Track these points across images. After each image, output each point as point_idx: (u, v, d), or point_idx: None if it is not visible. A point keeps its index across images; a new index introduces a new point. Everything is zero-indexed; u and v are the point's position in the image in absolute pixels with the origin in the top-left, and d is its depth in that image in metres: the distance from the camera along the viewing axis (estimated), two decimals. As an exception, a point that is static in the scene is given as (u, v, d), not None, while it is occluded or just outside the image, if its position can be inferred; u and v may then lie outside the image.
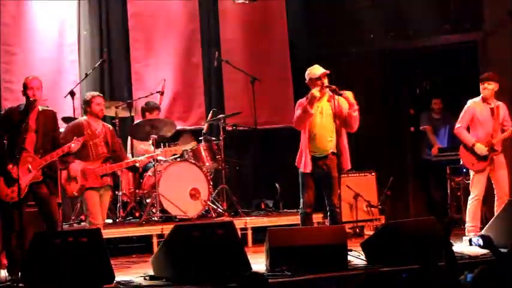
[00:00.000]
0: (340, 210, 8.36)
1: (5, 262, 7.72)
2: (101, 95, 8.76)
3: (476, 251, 8.13)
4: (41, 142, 7.65)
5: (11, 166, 7.40)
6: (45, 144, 7.68)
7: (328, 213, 8.36)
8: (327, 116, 8.31)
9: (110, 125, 8.83)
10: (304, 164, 8.31)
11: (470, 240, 8.59)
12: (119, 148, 8.74)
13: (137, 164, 8.88)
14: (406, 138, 11.87)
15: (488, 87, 9.18)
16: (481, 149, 9.14)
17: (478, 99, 9.30)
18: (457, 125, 9.36)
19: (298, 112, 8.29)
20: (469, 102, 9.34)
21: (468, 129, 9.32)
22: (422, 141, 11.69)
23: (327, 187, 8.30)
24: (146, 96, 10.57)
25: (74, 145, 7.83)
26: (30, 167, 7.52)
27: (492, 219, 8.66)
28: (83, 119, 8.61)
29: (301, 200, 8.39)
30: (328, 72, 8.32)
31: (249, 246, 9.69)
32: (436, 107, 11.62)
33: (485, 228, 8.65)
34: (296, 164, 8.43)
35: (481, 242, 8.29)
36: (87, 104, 8.56)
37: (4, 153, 7.57)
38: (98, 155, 8.41)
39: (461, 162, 9.52)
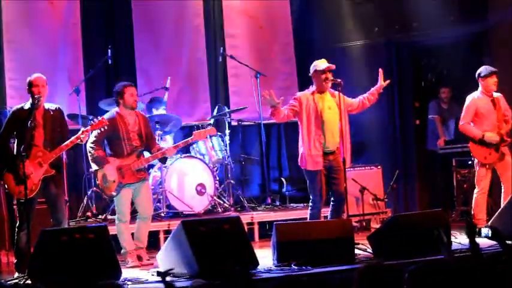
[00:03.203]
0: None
1: (13, 260, 7.75)
2: (133, 84, 8.48)
3: (483, 242, 8.09)
4: (50, 137, 7.69)
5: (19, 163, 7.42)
6: (53, 140, 7.72)
7: (332, 205, 8.32)
8: (334, 112, 8.29)
9: (142, 113, 8.60)
10: (311, 162, 8.26)
11: (479, 231, 8.51)
12: (151, 137, 8.47)
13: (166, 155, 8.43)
14: (412, 130, 11.81)
15: (496, 81, 9.16)
16: (492, 136, 9.10)
17: (477, 93, 9.26)
18: (461, 122, 9.30)
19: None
20: (470, 97, 9.29)
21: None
22: (428, 131, 11.62)
23: (335, 180, 8.28)
24: (151, 92, 10.55)
25: (83, 136, 7.78)
26: (41, 161, 7.55)
27: (499, 211, 8.62)
28: (114, 111, 8.30)
29: (313, 198, 8.29)
30: (333, 67, 8.30)
31: (256, 241, 9.71)
32: (444, 96, 11.53)
33: (491, 220, 8.62)
34: (300, 164, 8.39)
35: (490, 233, 8.21)
36: (119, 95, 8.22)
37: (13, 151, 7.62)
38: (132, 149, 8.21)
39: (473, 159, 9.41)
